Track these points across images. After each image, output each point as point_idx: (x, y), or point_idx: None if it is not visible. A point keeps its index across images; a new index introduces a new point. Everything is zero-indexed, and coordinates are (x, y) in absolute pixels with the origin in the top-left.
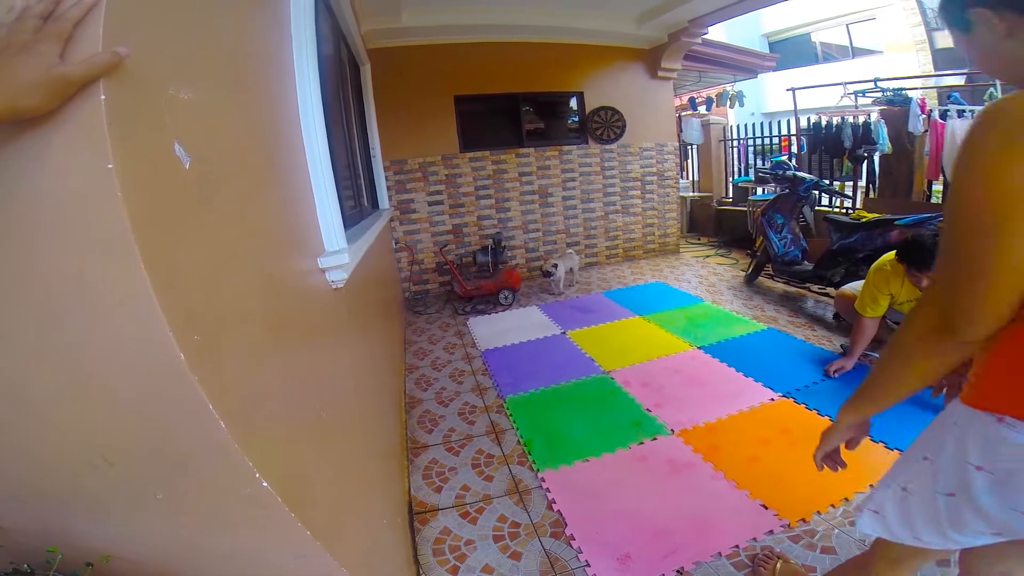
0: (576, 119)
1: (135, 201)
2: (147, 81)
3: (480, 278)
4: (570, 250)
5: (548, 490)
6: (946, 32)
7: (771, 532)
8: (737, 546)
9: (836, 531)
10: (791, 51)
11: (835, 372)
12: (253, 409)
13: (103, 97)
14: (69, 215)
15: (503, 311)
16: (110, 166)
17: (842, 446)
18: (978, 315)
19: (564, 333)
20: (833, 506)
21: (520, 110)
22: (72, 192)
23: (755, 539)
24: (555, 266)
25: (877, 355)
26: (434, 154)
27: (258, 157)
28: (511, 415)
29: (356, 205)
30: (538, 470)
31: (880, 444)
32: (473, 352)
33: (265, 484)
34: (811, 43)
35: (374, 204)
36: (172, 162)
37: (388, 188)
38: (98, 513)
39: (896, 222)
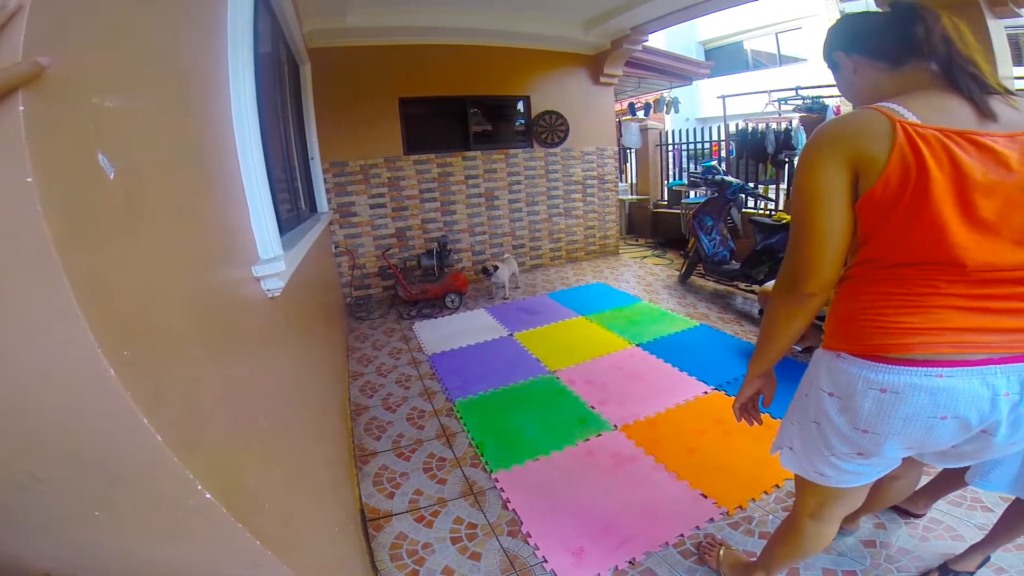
0: (523, 122)
1: (57, 215)
2: (70, 90)
3: (425, 282)
4: (507, 255)
5: (502, 490)
6: None
7: (711, 520)
8: (682, 535)
9: (771, 516)
10: (725, 58)
11: None
12: (192, 421)
13: (22, 108)
14: None
15: (450, 315)
16: (29, 179)
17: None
18: (813, 270)
19: (511, 335)
20: (767, 492)
21: (468, 113)
22: None
23: (698, 527)
24: (496, 267)
25: (799, 348)
26: (376, 156)
27: (188, 164)
28: (461, 418)
29: (293, 209)
30: (491, 471)
31: None
32: (420, 356)
33: (208, 496)
34: (743, 51)
35: (312, 208)
36: (96, 173)
37: (327, 191)
38: (32, 532)
39: None
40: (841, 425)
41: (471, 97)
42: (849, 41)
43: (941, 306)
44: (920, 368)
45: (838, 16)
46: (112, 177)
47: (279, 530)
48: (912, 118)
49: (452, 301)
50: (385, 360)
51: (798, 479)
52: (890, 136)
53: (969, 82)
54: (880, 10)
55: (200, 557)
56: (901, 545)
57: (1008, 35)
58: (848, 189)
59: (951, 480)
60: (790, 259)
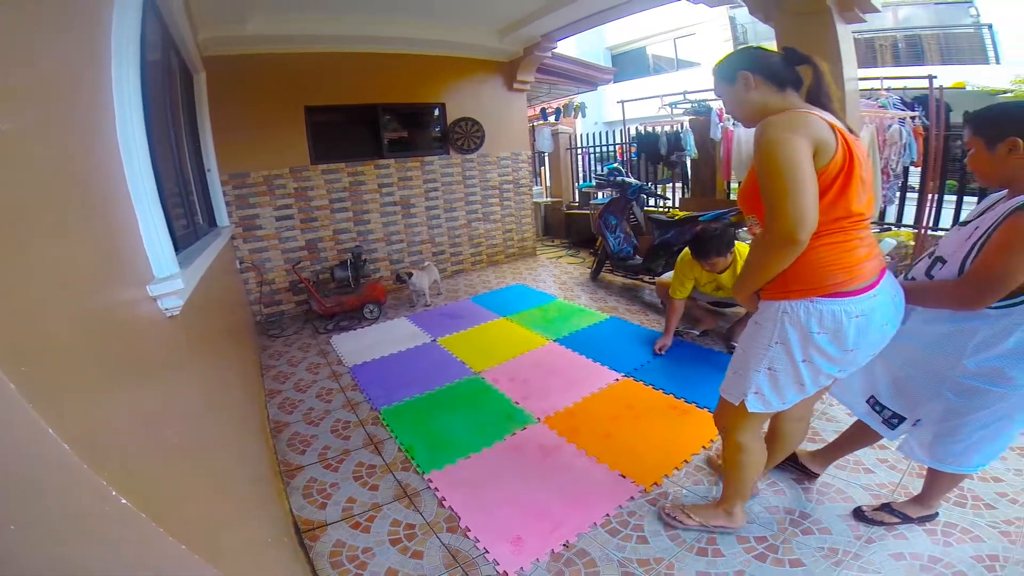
0: (439, 129)
1: None
2: None
3: (340, 294)
4: (427, 262)
5: (436, 489)
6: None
7: (632, 498)
8: (608, 514)
9: (684, 491)
10: (630, 63)
11: (660, 349)
12: (98, 433)
13: None
14: None
15: (369, 325)
16: None
17: None
18: (807, 219)
19: (435, 340)
20: (677, 468)
21: (380, 121)
22: None
23: (620, 506)
24: (410, 274)
25: (696, 332)
26: (281, 166)
27: (71, 182)
28: (388, 425)
29: (189, 224)
30: (423, 472)
31: (706, 410)
32: (340, 369)
33: (124, 501)
34: (646, 56)
35: (211, 222)
36: None
37: (228, 204)
38: None
39: (700, 218)
40: (834, 352)
41: (383, 105)
42: (756, 65)
43: (859, 245)
44: (869, 292)
45: (727, 21)
46: None
47: (207, 538)
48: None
49: (371, 312)
50: (303, 376)
51: (744, 416)
52: (831, 131)
53: (828, 103)
54: (774, 49)
55: (131, 562)
56: (801, 509)
57: (865, 38)
58: (812, 161)
59: (844, 445)
60: (782, 215)
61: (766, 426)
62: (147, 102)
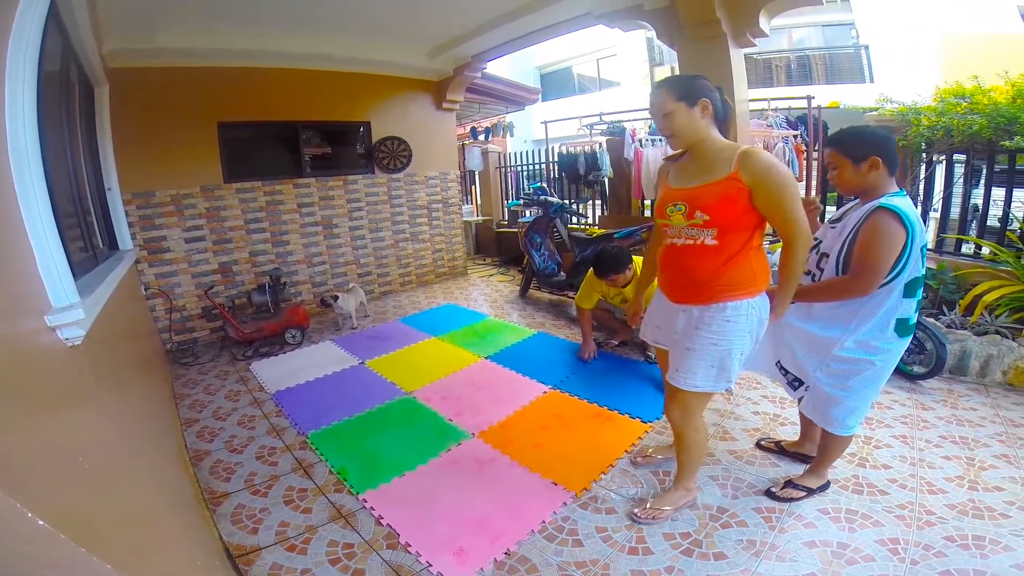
0: (363, 146)
1: None
2: None
3: (259, 319)
4: (352, 284)
5: (372, 509)
6: (665, 67)
7: (564, 504)
8: (543, 521)
9: (612, 494)
10: (557, 83)
11: (588, 356)
12: (9, 461)
13: None
14: None
15: (292, 350)
16: None
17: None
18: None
19: (363, 363)
20: (604, 473)
21: (299, 138)
22: None
23: (554, 512)
24: (336, 297)
25: (615, 342)
26: (191, 185)
27: None
28: (317, 449)
29: (87, 248)
30: (357, 493)
31: (626, 416)
32: (262, 396)
33: (42, 523)
34: (572, 75)
35: (112, 245)
36: None
37: (131, 225)
38: None
39: (615, 235)
40: (760, 333)
41: (304, 122)
42: (712, 95)
43: None
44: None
45: (644, 42)
46: None
47: (133, 560)
48: None
49: (293, 337)
50: (222, 404)
51: (706, 399)
52: None
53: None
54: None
55: None
56: (719, 504)
57: (763, 59)
58: None
59: (808, 429)
60: (805, 227)
61: None
62: (42, 119)
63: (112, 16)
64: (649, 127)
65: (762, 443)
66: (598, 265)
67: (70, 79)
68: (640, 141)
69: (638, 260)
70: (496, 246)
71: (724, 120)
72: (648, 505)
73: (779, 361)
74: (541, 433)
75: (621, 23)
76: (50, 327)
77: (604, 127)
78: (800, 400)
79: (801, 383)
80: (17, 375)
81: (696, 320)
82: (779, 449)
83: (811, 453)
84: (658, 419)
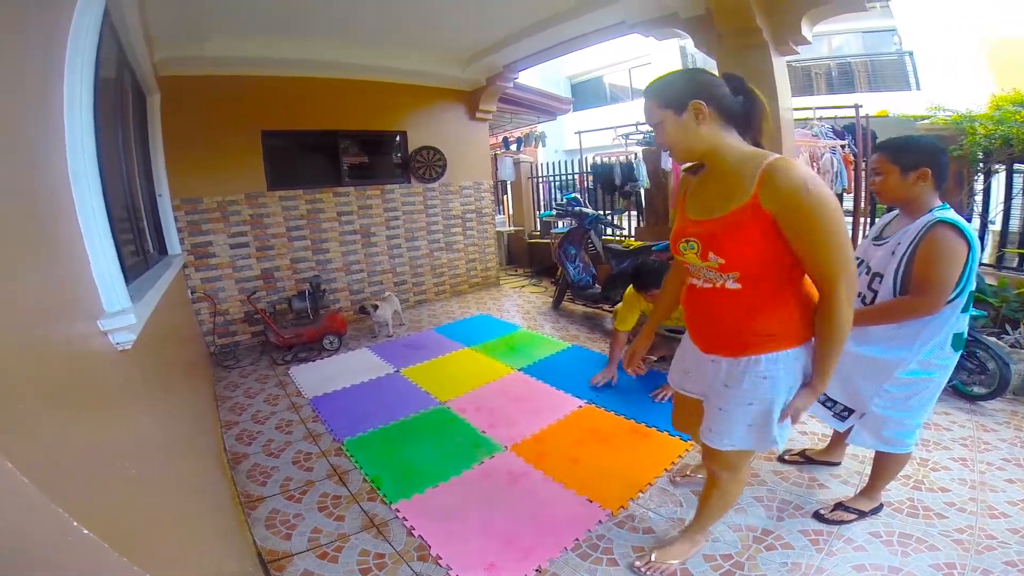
0: (400, 156)
1: None
2: None
3: (299, 325)
4: (387, 293)
5: (405, 519)
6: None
7: (600, 522)
8: (577, 539)
9: (651, 513)
10: (588, 92)
11: (603, 381)
12: (54, 465)
13: None
14: None
15: (329, 357)
16: None
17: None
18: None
19: (398, 371)
20: (642, 491)
21: (339, 147)
22: None
23: (589, 530)
24: (375, 306)
25: (653, 358)
26: (236, 192)
27: (17, 214)
28: (352, 456)
29: (139, 252)
30: (391, 502)
31: (665, 433)
32: (300, 401)
33: (87, 532)
34: (603, 85)
35: (162, 250)
36: None
37: (179, 230)
38: None
39: (653, 247)
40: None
41: (343, 132)
42: (708, 95)
43: None
44: None
45: (678, 51)
46: None
47: (170, 568)
48: None
49: (331, 343)
50: (261, 407)
51: (740, 454)
52: None
53: (761, 143)
54: (715, 74)
55: None
56: (763, 526)
57: (802, 67)
58: None
59: (837, 438)
60: (849, 271)
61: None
62: (98, 125)
63: (162, 25)
64: None
65: (785, 457)
66: (638, 279)
67: (124, 86)
68: None
69: None
70: (528, 257)
71: (749, 117)
72: (653, 558)
73: (823, 393)
74: (576, 448)
75: (656, 32)
76: (102, 331)
77: (640, 137)
78: (848, 431)
79: (850, 412)
80: (69, 381)
81: (725, 376)
82: (805, 459)
83: (837, 460)
84: None
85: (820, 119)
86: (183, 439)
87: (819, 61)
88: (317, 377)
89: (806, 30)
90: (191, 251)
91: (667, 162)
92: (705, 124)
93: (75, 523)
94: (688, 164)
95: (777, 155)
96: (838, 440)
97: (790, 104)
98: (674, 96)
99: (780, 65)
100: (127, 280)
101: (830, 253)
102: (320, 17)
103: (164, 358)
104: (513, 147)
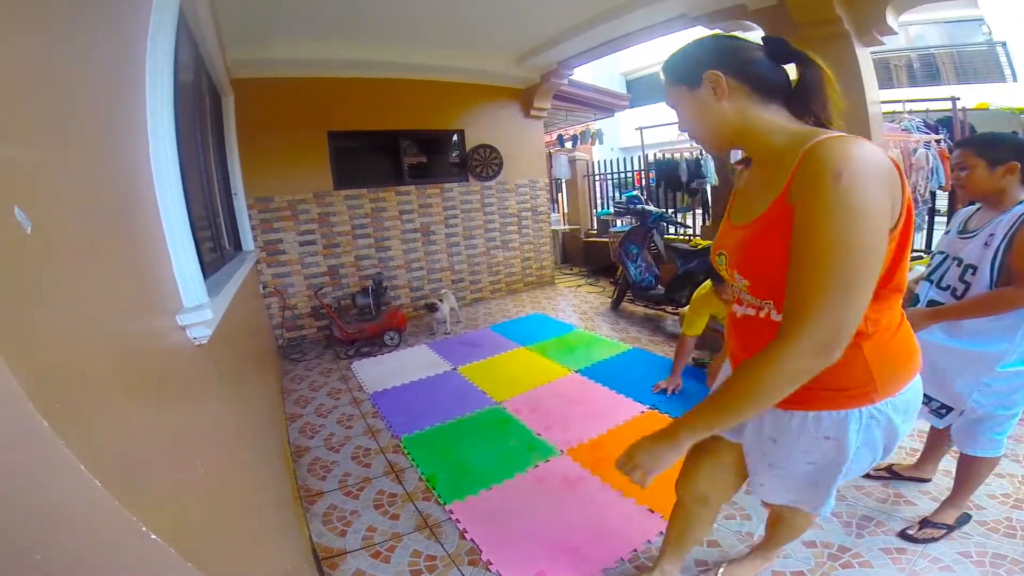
0: (458, 154)
1: None
2: None
3: (362, 320)
4: (445, 290)
5: (458, 521)
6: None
7: (661, 533)
8: (635, 550)
9: (716, 525)
10: (645, 88)
11: (666, 390)
12: (130, 466)
13: None
14: None
15: (389, 352)
16: None
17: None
18: (852, 328)
19: (455, 369)
20: None
21: (400, 147)
22: None
23: (649, 541)
24: (439, 301)
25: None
26: (305, 191)
27: (106, 213)
28: (409, 454)
29: (216, 248)
30: (445, 503)
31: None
32: (360, 395)
33: (154, 536)
34: (660, 80)
35: (236, 246)
36: (13, 229)
37: (252, 228)
38: None
39: None
40: (894, 442)
41: (403, 131)
42: (731, 63)
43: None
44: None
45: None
46: (29, 232)
47: (231, 569)
48: None
49: (391, 339)
50: (324, 401)
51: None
52: (896, 170)
53: (830, 120)
54: (747, 38)
55: None
56: (840, 543)
57: (879, 58)
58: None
59: (940, 441)
60: (828, 316)
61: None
62: (178, 125)
63: (232, 25)
64: None
65: (871, 471)
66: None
67: (201, 89)
68: None
69: None
70: (583, 256)
71: (805, 89)
72: (720, 572)
73: None
74: None
75: (721, 24)
76: (180, 326)
77: None
78: (948, 428)
79: (950, 409)
80: (146, 376)
81: (771, 429)
82: (892, 474)
83: (928, 476)
84: None
85: (910, 112)
86: (253, 433)
87: (898, 52)
88: (378, 372)
89: (891, 19)
90: (263, 247)
91: (736, 156)
92: (728, 99)
93: (143, 528)
94: (737, 155)
95: (841, 134)
96: (930, 454)
97: (877, 97)
98: (686, 68)
99: (865, 56)
100: (205, 275)
101: (819, 278)
102: (380, 17)
103: (237, 352)
104: (568, 145)
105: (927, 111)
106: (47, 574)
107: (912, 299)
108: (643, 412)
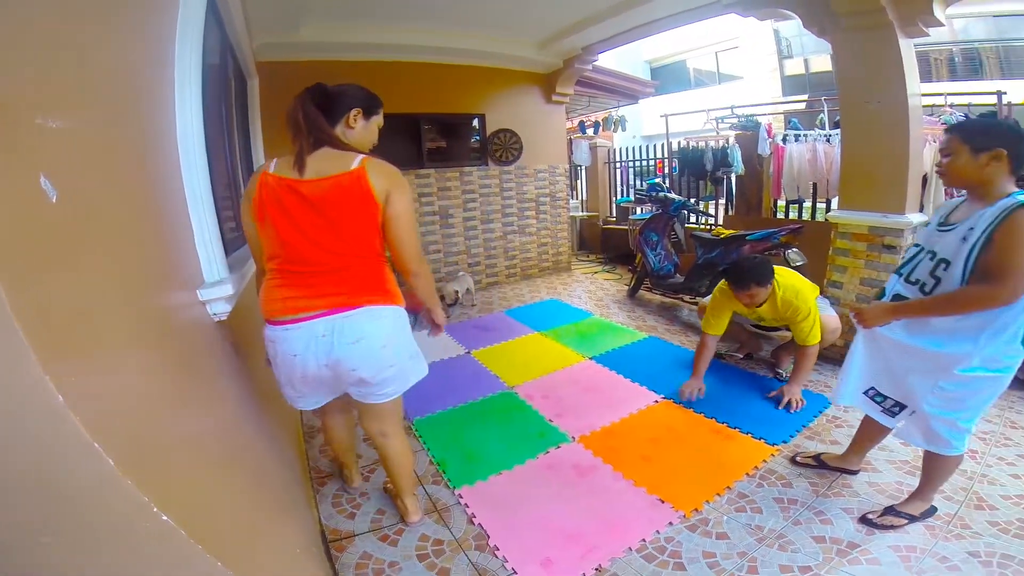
0: (478, 139)
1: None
2: (11, 111)
3: None
4: (461, 272)
5: (467, 505)
6: (796, 60)
7: (670, 523)
8: (644, 539)
9: (726, 518)
10: (669, 76)
11: (688, 395)
12: (143, 444)
13: None
14: None
15: None
16: None
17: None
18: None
19: (469, 352)
20: (719, 494)
21: (421, 130)
22: None
23: (658, 531)
24: (456, 291)
25: (739, 355)
26: None
27: (131, 185)
28: (420, 436)
29: (238, 228)
30: (454, 487)
31: (748, 436)
32: None
33: (165, 518)
34: (686, 69)
35: None
36: (38, 197)
37: None
38: None
39: (747, 237)
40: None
41: (425, 115)
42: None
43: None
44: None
45: (771, 34)
46: (55, 200)
47: (240, 551)
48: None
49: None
50: None
51: None
52: None
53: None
54: None
55: None
56: (849, 539)
57: (920, 51)
58: None
59: (871, 435)
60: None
61: None
62: (205, 106)
63: (260, 10)
64: (789, 122)
65: (798, 459)
66: (738, 276)
67: (227, 72)
68: (783, 138)
69: (781, 271)
70: (601, 243)
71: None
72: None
73: (872, 387)
74: (650, 445)
75: (756, 12)
76: (201, 301)
77: (735, 121)
78: (900, 429)
79: (902, 408)
80: (166, 351)
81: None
82: (818, 463)
83: (855, 468)
84: (785, 442)
85: (952, 106)
86: (267, 411)
87: (940, 46)
88: None
89: (938, 11)
90: None
91: (765, 147)
92: None
93: (155, 508)
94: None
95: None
96: (857, 447)
97: (918, 91)
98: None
99: (908, 48)
100: (227, 253)
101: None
102: (405, 1)
103: (254, 326)
104: (590, 131)
105: (969, 105)
106: (57, 556)
107: (879, 292)
108: (657, 401)
